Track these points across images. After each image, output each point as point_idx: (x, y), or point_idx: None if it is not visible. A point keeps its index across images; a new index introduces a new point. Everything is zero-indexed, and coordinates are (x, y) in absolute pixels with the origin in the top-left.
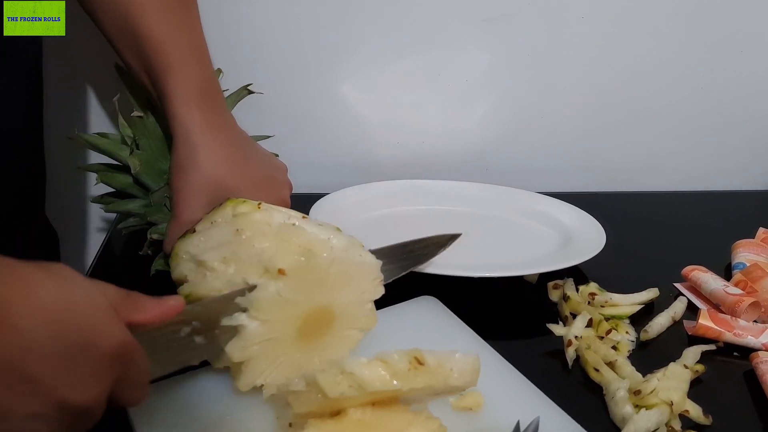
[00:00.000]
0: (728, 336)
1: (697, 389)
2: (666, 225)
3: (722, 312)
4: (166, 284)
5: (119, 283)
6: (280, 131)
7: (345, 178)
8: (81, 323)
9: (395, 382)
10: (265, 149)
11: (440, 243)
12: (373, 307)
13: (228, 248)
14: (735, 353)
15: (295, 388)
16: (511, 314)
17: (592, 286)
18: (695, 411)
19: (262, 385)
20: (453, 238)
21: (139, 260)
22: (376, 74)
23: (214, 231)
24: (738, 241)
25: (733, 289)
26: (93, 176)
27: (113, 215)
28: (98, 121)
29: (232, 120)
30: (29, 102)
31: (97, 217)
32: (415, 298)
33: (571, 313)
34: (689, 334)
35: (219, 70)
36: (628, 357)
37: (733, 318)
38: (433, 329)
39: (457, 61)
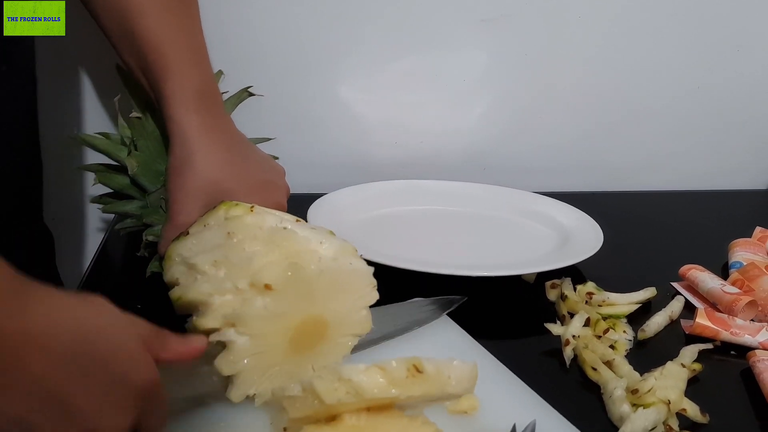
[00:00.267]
0: (725, 335)
1: (694, 388)
2: (663, 224)
3: (719, 311)
4: (161, 286)
5: (116, 284)
6: (279, 131)
7: (344, 178)
8: (117, 356)
9: (393, 390)
10: (264, 152)
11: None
12: (368, 313)
13: (219, 251)
14: (732, 352)
15: (291, 393)
16: (508, 313)
17: (590, 286)
18: (692, 410)
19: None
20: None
21: (136, 262)
22: (375, 74)
23: (207, 234)
24: (735, 240)
25: (730, 288)
26: (91, 177)
27: (111, 216)
28: (98, 121)
29: (230, 123)
30: (25, 101)
31: (94, 218)
32: (407, 301)
33: (568, 313)
34: (686, 333)
35: (220, 72)
36: (625, 356)
37: (730, 317)
38: (426, 331)
39: (456, 61)
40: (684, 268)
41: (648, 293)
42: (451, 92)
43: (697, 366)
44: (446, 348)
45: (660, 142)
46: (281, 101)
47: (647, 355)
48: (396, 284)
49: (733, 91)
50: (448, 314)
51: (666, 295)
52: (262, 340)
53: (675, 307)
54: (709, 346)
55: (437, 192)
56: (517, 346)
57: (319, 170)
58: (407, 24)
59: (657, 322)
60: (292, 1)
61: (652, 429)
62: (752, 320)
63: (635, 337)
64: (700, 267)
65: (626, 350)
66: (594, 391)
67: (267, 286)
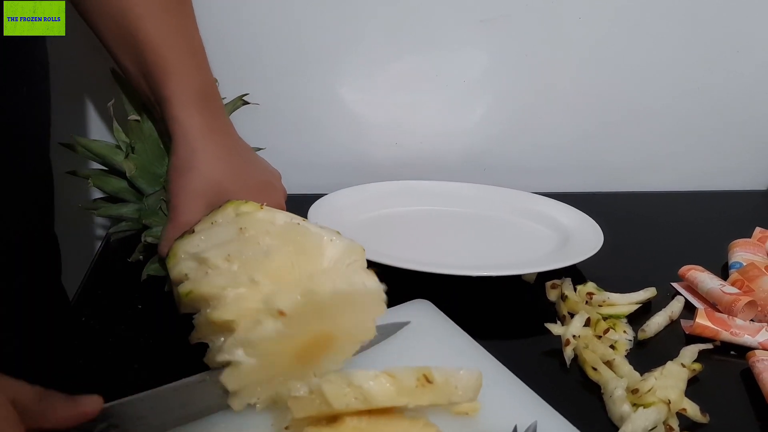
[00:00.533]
0: (725, 335)
1: (694, 388)
2: (663, 225)
3: (719, 311)
4: (158, 289)
5: (114, 290)
6: (279, 132)
7: (343, 179)
8: None
9: (402, 398)
10: (260, 156)
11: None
12: (374, 324)
13: (231, 246)
14: (732, 352)
15: (296, 394)
16: (509, 314)
17: (590, 286)
18: (693, 409)
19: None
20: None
21: (134, 267)
22: (375, 74)
23: (216, 230)
24: (735, 241)
25: (729, 289)
26: (85, 184)
27: (108, 224)
28: (91, 127)
29: (230, 125)
30: (39, 105)
31: (94, 224)
32: (409, 302)
33: (569, 313)
34: (686, 333)
35: (215, 80)
36: (625, 356)
37: (730, 317)
38: (428, 333)
39: (456, 62)
40: (684, 269)
41: (648, 293)
42: (451, 92)
43: (697, 366)
44: (447, 348)
45: (660, 143)
46: (281, 102)
47: (647, 355)
48: (396, 285)
49: (733, 91)
50: (446, 314)
51: (666, 296)
52: (269, 359)
53: (675, 307)
54: (709, 346)
55: (437, 192)
56: (517, 347)
57: (319, 171)
58: (407, 24)
59: (657, 322)
60: (291, 1)
61: (653, 429)
62: (752, 320)
63: (635, 337)
64: (700, 267)
65: (626, 350)
66: (594, 391)
67: (280, 312)
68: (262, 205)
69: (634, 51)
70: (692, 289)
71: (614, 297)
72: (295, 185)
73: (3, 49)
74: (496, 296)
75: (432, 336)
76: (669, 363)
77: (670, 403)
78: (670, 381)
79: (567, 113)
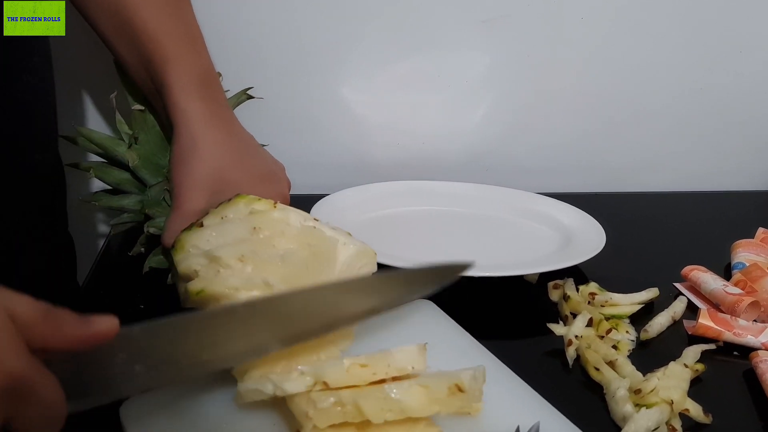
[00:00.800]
0: (728, 335)
1: (697, 388)
2: (665, 225)
3: (722, 311)
4: (160, 282)
5: (119, 284)
6: (280, 132)
7: (344, 179)
8: None
9: (434, 407)
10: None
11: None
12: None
13: (245, 246)
14: (735, 352)
15: (322, 405)
16: (511, 314)
17: (592, 286)
18: (695, 410)
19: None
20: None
21: (136, 263)
22: (377, 75)
23: (227, 227)
24: (737, 241)
25: (732, 289)
26: (87, 178)
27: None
28: (90, 121)
29: (232, 113)
30: (46, 97)
31: (96, 221)
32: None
33: (571, 313)
34: (689, 333)
35: (218, 74)
36: (628, 356)
37: (733, 317)
38: (430, 333)
39: (457, 62)
40: (686, 269)
41: (651, 294)
42: (453, 93)
43: (700, 366)
44: (449, 348)
45: (662, 143)
46: (282, 102)
47: (650, 355)
48: None
49: (734, 91)
50: (449, 315)
51: (668, 296)
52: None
53: (678, 307)
54: (712, 346)
55: (439, 193)
56: (519, 347)
57: (321, 171)
58: (408, 25)
59: (660, 322)
60: (294, 1)
61: (655, 429)
62: (755, 321)
63: (638, 338)
64: (703, 268)
65: (629, 350)
66: (597, 391)
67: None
68: (275, 203)
69: (635, 51)
70: (695, 289)
71: (617, 297)
72: (297, 185)
73: (7, 40)
74: (498, 296)
75: (434, 336)
76: (672, 363)
77: (672, 403)
78: (672, 381)
79: (568, 113)
